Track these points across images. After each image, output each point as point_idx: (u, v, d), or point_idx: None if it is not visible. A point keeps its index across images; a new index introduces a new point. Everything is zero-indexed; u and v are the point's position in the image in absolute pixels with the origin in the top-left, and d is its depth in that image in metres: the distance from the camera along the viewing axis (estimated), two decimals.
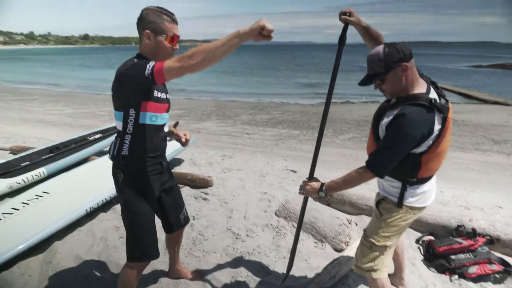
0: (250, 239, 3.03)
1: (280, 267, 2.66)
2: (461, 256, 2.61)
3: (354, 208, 3.42)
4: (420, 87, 1.66)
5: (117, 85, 1.70)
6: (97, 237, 3.08)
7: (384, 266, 1.89)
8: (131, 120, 1.75)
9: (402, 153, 1.61)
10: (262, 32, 1.48)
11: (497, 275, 2.51)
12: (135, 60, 1.71)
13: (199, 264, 2.70)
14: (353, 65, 34.78)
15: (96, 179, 3.72)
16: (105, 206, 3.48)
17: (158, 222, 2.23)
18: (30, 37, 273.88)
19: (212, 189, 4.08)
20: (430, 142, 1.61)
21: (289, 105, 13.55)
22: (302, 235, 3.04)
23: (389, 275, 2.18)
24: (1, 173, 3.97)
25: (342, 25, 1.90)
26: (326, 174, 4.82)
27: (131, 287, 1.94)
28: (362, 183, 1.75)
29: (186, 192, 3.97)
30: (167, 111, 1.92)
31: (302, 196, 2.22)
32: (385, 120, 1.68)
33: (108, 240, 3.02)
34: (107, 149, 2.13)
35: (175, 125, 5.11)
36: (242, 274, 2.58)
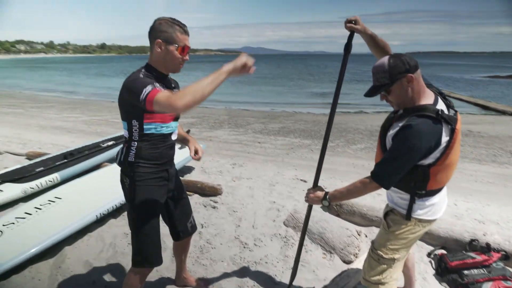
0: (257, 249, 3.01)
1: (287, 278, 2.62)
2: (475, 271, 2.53)
3: (364, 220, 3.37)
4: (427, 98, 1.64)
5: (121, 97, 1.73)
6: (106, 243, 3.10)
7: (392, 280, 1.85)
8: (135, 130, 1.78)
9: (408, 164, 1.59)
10: (244, 68, 1.58)
11: None
12: (141, 74, 1.73)
13: (206, 272, 2.69)
14: (367, 74, 34.60)
15: (107, 185, 3.76)
16: (115, 213, 3.52)
17: (165, 229, 2.26)
18: (50, 46, 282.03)
19: (222, 197, 4.08)
20: (438, 154, 1.58)
21: (302, 114, 13.53)
22: (311, 245, 3.01)
23: None
24: (16, 178, 4.06)
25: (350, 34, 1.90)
26: (338, 184, 4.79)
27: None
28: (366, 193, 1.73)
29: (195, 200, 3.99)
30: (175, 119, 1.93)
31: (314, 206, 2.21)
32: (392, 131, 1.66)
33: (117, 246, 3.04)
34: None
35: (187, 132, 5.15)
36: (249, 284, 2.55)
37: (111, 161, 4.96)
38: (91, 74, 43.08)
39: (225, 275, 2.65)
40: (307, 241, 3.06)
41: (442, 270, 2.66)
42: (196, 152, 2.06)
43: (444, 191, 1.80)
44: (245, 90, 24.15)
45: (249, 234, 3.25)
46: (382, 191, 1.76)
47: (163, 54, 1.77)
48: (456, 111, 1.66)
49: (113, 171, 4.15)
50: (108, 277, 2.64)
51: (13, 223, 3.03)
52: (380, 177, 1.65)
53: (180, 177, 2.25)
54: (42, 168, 4.38)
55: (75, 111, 13.31)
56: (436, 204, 1.75)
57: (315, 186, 2.02)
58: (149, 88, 1.58)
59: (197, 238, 3.17)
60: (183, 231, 2.20)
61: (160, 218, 2.17)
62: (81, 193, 3.64)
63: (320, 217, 3.21)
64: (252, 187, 4.52)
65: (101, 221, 3.37)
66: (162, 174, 1.93)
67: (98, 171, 4.30)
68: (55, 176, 4.18)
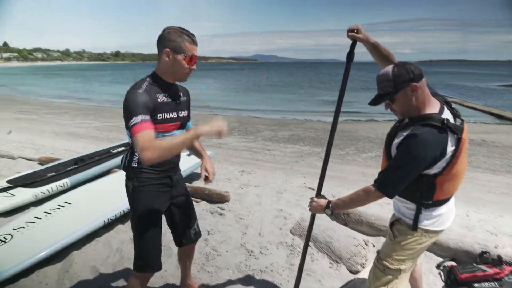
0: (263, 257, 2.99)
1: (292, 287, 2.59)
2: (485, 284, 2.46)
3: (372, 229, 3.32)
4: (433, 107, 1.62)
5: (123, 107, 1.75)
6: (113, 248, 3.13)
7: None
8: None
9: (412, 174, 1.56)
10: (218, 133, 1.64)
11: None
12: (144, 85, 1.74)
13: (211, 279, 2.68)
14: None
15: (115, 191, 3.79)
16: (123, 218, 3.54)
17: (171, 235, 2.27)
18: (66, 54, 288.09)
19: (229, 204, 4.08)
20: (444, 164, 1.56)
21: (312, 122, 13.50)
22: (317, 254, 2.98)
23: None
24: (27, 183, 4.14)
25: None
26: (346, 192, 4.73)
27: None
28: (369, 202, 1.71)
29: (202, 206, 3.99)
30: (180, 128, 1.93)
31: (318, 216, 2.19)
32: (397, 140, 1.65)
33: (123, 251, 3.06)
34: None
35: None
36: None
37: (120, 167, 5.01)
38: (105, 81, 43.87)
39: (230, 283, 2.64)
40: (313, 250, 3.02)
41: (451, 282, 2.59)
42: (207, 177, 1.99)
43: (451, 201, 1.77)
44: (256, 97, 24.27)
45: (255, 241, 3.24)
46: (391, 200, 1.73)
47: (170, 63, 1.78)
48: (462, 120, 1.64)
49: (122, 177, 4.17)
50: (114, 283, 2.66)
51: (23, 227, 3.08)
52: (384, 185, 1.63)
53: (188, 184, 2.26)
54: (53, 173, 4.46)
55: (88, 117, 13.55)
56: (443, 215, 1.71)
57: (318, 194, 2.01)
58: (138, 118, 1.60)
59: (203, 245, 3.17)
60: (186, 237, 2.20)
61: (166, 223, 2.19)
62: (90, 199, 3.69)
63: (327, 226, 3.17)
64: (260, 194, 4.51)
65: (109, 226, 3.39)
66: (165, 180, 1.94)
67: (108, 177, 4.35)
68: (65, 181, 4.25)
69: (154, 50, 1.83)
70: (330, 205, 1.83)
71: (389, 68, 1.62)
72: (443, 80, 47.77)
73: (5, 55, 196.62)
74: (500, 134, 10.43)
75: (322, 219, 3.39)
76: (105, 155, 5.19)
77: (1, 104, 18.00)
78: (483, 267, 2.59)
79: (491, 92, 27.87)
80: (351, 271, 2.79)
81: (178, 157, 2.02)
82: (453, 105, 1.73)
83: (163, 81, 1.83)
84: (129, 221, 3.55)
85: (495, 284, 2.45)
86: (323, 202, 1.88)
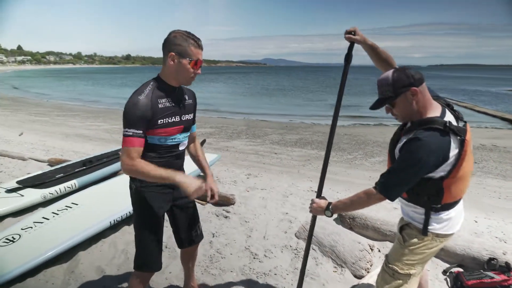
0: (267, 260, 2.98)
1: None
2: None
3: (378, 234, 3.29)
4: (434, 111, 1.62)
5: None
6: (119, 249, 3.15)
7: None
8: None
9: (414, 177, 1.56)
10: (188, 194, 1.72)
11: None
12: (147, 89, 1.77)
13: (214, 282, 2.69)
14: None
15: (122, 192, 3.81)
16: (128, 220, 3.57)
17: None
18: (78, 57, 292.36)
19: (234, 207, 4.09)
20: (449, 167, 1.55)
21: (320, 126, 13.44)
22: (322, 258, 2.96)
23: None
24: (37, 183, 4.21)
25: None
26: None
27: None
28: (370, 205, 1.70)
29: (208, 209, 4.01)
30: (183, 131, 1.94)
31: (321, 219, 2.18)
32: (399, 145, 1.65)
33: (129, 253, 3.08)
34: None
35: (202, 143, 5.21)
36: None
37: None
38: (115, 84, 44.38)
39: (234, 286, 2.64)
40: (318, 253, 3.01)
41: None
42: (212, 196, 2.01)
43: (460, 204, 1.75)
44: (264, 101, 24.29)
45: (259, 245, 3.23)
46: (398, 205, 1.72)
47: (175, 67, 1.78)
48: (465, 122, 1.63)
49: (129, 179, 4.24)
50: (118, 283, 2.68)
51: (31, 227, 3.13)
52: (385, 188, 1.62)
53: None
54: (61, 175, 4.52)
55: (97, 119, 13.71)
56: (453, 218, 1.70)
57: (319, 195, 2.01)
58: (129, 132, 1.70)
59: (208, 247, 3.18)
60: (187, 239, 2.21)
61: (169, 225, 2.21)
62: (97, 200, 3.73)
63: (332, 230, 3.16)
64: (266, 197, 4.51)
65: (114, 227, 3.43)
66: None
67: (115, 179, 4.40)
68: (73, 183, 4.31)
69: None
70: (330, 207, 1.83)
71: (389, 72, 1.63)
72: (454, 84, 47.28)
73: (19, 58, 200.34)
74: None
75: (328, 223, 3.38)
76: (112, 157, 5.24)
77: (15, 106, 18.35)
78: (490, 274, 2.55)
79: (503, 97, 27.43)
80: (355, 276, 2.76)
81: (181, 159, 2.03)
82: (455, 107, 1.73)
83: (166, 85, 1.84)
84: None
85: None
86: (323, 203, 1.88)
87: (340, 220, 3.63)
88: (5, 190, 4.03)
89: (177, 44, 1.76)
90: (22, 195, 3.94)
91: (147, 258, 1.98)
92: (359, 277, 2.74)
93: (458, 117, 1.65)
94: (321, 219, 3.61)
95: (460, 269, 2.78)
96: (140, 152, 1.74)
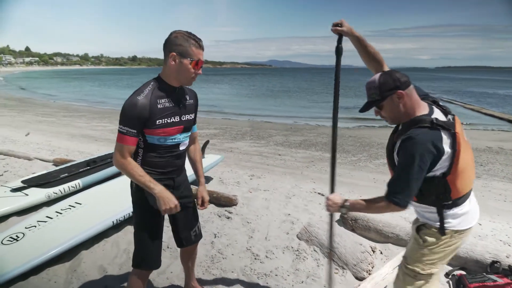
0: (269, 261, 2.98)
1: None
2: None
3: (380, 236, 3.28)
4: (422, 111, 1.66)
5: None
6: (121, 248, 3.17)
7: None
8: (140, 139, 1.85)
9: (418, 175, 1.55)
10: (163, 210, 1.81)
11: None
12: (147, 89, 1.80)
13: (215, 282, 2.69)
14: None
15: (125, 192, 3.85)
16: (131, 219, 3.54)
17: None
18: (84, 58, 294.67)
19: (236, 208, 4.09)
20: (448, 162, 1.57)
21: (324, 127, 13.40)
22: (323, 260, 2.96)
23: None
24: (41, 183, 4.25)
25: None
26: (355, 197, 4.69)
27: None
28: (385, 213, 1.71)
29: (210, 210, 4.02)
30: (183, 131, 1.95)
31: (324, 220, 2.16)
32: (396, 149, 1.68)
33: (130, 252, 3.08)
34: None
35: (205, 144, 5.22)
36: None
37: None
38: (121, 85, 44.67)
39: (234, 286, 2.64)
40: (319, 255, 3.00)
41: None
42: (203, 202, 2.21)
43: (472, 197, 1.76)
44: (269, 103, 24.30)
45: (261, 245, 3.23)
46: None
47: (176, 67, 1.80)
48: (453, 115, 1.68)
49: None
50: (120, 283, 2.69)
51: (35, 226, 3.15)
52: (395, 196, 1.60)
53: (197, 187, 2.31)
54: (66, 174, 4.56)
55: (103, 120, 13.80)
56: (469, 212, 1.70)
57: (332, 191, 1.95)
58: (124, 129, 1.76)
59: (209, 247, 3.18)
60: (186, 239, 2.22)
61: (169, 224, 2.22)
62: (100, 199, 3.76)
63: (334, 231, 3.14)
64: (268, 199, 4.51)
65: (117, 227, 3.45)
66: (167, 182, 1.97)
67: (118, 179, 4.42)
68: (77, 182, 4.34)
69: None
70: (346, 204, 1.77)
71: (376, 76, 1.68)
72: (460, 86, 46.95)
73: (27, 59, 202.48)
74: None
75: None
76: None
77: (22, 106, 18.55)
78: (493, 277, 2.53)
79: (511, 99, 27.17)
80: (356, 278, 2.75)
81: (182, 159, 2.04)
82: (441, 103, 1.77)
83: (167, 85, 1.85)
84: None
85: None
86: (338, 199, 1.80)
87: (342, 222, 3.62)
88: (10, 189, 4.08)
89: (178, 44, 1.77)
90: (27, 195, 3.98)
91: (146, 256, 1.99)
92: (361, 278, 2.73)
93: (446, 112, 1.68)
94: (322, 220, 3.61)
95: (463, 272, 2.76)
96: (132, 150, 1.81)
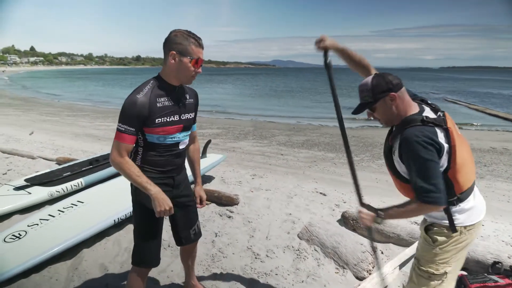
0: (269, 260, 2.98)
1: None
2: None
3: (381, 236, 3.27)
4: (413, 111, 1.69)
5: None
6: (122, 247, 3.18)
7: None
8: (139, 138, 1.86)
9: (436, 167, 1.54)
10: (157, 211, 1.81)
11: None
12: (147, 88, 1.81)
13: (215, 281, 2.69)
14: None
15: (126, 191, 3.87)
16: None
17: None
18: (89, 58, 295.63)
19: (238, 207, 4.09)
20: (447, 156, 1.58)
21: (328, 127, 13.38)
22: (324, 259, 2.95)
23: None
24: (44, 181, 4.27)
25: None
26: (355, 198, 4.68)
27: None
28: (423, 214, 1.70)
29: (211, 209, 4.02)
30: (183, 130, 1.96)
31: (325, 220, 2.14)
32: (396, 153, 1.68)
33: (132, 251, 3.10)
34: None
35: (207, 143, 5.23)
36: None
37: None
38: (125, 85, 44.79)
39: (235, 285, 2.64)
40: (320, 254, 3.00)
41: None
42: (200, 201, 2.24)
43: (476, 191, 1.76)
44: (272, 102, 24.30)
45: (261, 245, 3.23)
46: None
47: (176, 66, 1.80)
48: (443, 112, 1.70)
49: None
50: (121, 281, 2.70)
51: (37, 224, 3.18)
52: (426, 196, 1.56)
53: None
54: (69, 173, 4.59)
55: (107, 119, 13.86)
56: (475, 207, 1.71)
57: (362, 203, 1.88)
58: (122, 127, 1.75)
59: (210, 246, 3.19)
60: (185, 237, 2.23)
61: (169, 223, 2.23)
62: (102, 198, 3.77)
63: (335, 231, 3.14)
64: (270, 198, 4.51)
65: (119, 225, 3.46)
66: (167, 180, 1.97)
67: (120, 178, 4.43)
68: (80, 181, 4.37)
69: None
70: (380, 214, 1.71)
71: (369, 78, 1.71)
72: (464, 86, 46.70)
73: (32, 59, 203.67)
74: None
75: (330, 224, 3.37)
76: None
77: (26, 106, 18.67)
78: (494, 277, 2.51)
79: None
80: (357, 277, 2.75)
81: (181, 158, 2.04)
82: (430, 101, 1.78)
83: (167, 84, 1.86)
84: None
85: None
86: (371, 211, 1.75)
87: (344, 222, 3.61)
88: (13, 187, 4.11)
89: (178, 43, 1.77)
90: (30, 193, 4.01)
91: (145, 254, 2.01)
92: (361, 278, 2.73)
93: (435, 110, 1.71)
94: (323, 219, 3.61)
95: (464, 272, 2.74)
96: (129, 149, 1.81)
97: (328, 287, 2.64)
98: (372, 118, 1.78)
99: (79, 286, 2.63)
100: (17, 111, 15.89)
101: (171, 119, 1.86)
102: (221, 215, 3.88)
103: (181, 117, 1.93)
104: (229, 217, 3.84)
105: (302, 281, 2.70)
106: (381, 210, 1.73)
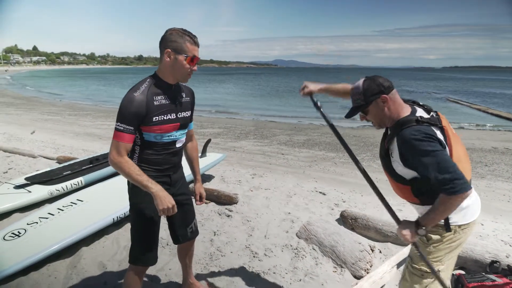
0: (267, 259, 2.99)
1: None
2: None
3: (379, 235, 3.27)
4: (406, 112, 1.70)
5: None
6: (121, 245, 3.19)
7: None
8: (137, 136, 1.86)
9: (445, 156, 1.52)
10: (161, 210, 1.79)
11: None
12: (143, 86, 1.80)
13: (213, 279, 2.70)
14: (401, 89, 33.79)
15: (125, 190, 3.88)
16: None
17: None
18: (91, 58, 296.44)
19: (237, 206, 4.10)
20: None
21: (328, 127, 13.36)
22: (322, 258, 2.95)
23: None
24: (44, 180, 4.29)
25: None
26: (358, 197, 4.68)
27: None
28: (456, 207, 1.60)
29: (211, 208, 4.03)
30: (180, 128, 1.96)
31: (324, 218, 2.16)
32: (395, 156, 1.67)
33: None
34: None
35: (207, 142, 5.24)
36: None
37: None
38: (127, 84, 44.85)
39: (232, 284, 2.65)
40: (318, 253, 3.00)
41: None
42: (201, 198, 2.30)
43: (472, 190, 1.70)
44: (274, 102, 24.29)
45: (260, 244, 3.24)
46: (403, 207, 1.68)
47: (171, 64, 1.81)
48: (436, 112, 1.73)
49: None
50: (119, 279, 2.71)
51: (37, 223, 3.19)
52: (450, 188, 1.50)
53: None
54: (69, 172, 4.61)
55: (108, 119, 13.89)
56: (470, 206, 1.70)
57: (399, 222, 1.79)
58: (120, 126, 1.75)
59: (208, 245, 3.20)
60: (182, 235, 2.23)
61: (165, 221, 2.23)
62: (102, 197, 3.79)
63: (333, 230, 3.14)
64: (269, 197, 4.51)
65: (118, 224, 3.47)
66: (164, 179, 1.98)
67: (119, 177, 4.44)
68: (80, 180, 4.38)
69: None
70: (421, 225, 1.65)
71: (360, 82, 1.75)
72: (467, 86, 46.55)
73: (34, 58, 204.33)
74: None
75: (328, 223, 3.37)
76: None
77: (28, 105, 18.73)
78: (492, 276, 2.51)
79: None
80: (355, 276, 2.75)
81: (178, 156, 2.05)
82: (421, 102, 1.81)
83: (163, 82, 1.86)
84: None
85: None
86: (412, 227, 1.67)
87: (342, 221, 3.61)
88: (14, 186, 4.13)
89: (173, 40, 1.78)
90: (30, 191, 4.03)
91: (142, 253, 2.01)
92: (359, 277, 2.73)
93: (428, 110, 1.72)
94: (321, 218, 3.61)
95: (462, 272, 2.74)
96: (129, 148, 1.79)
97: (326, 286, 2.64)
98: (365, 121, 1.81)
99: (77, 284, 2.64)
100: (19, 110, 15.95)
101: (168, 117, 1.87)
102: (220, 214, 3.89)
103: (178, 115, 1.93)
104: (228, 216, 3.84)
105: (300, 280, 2.70)
106: (418, 222, 1.66)
